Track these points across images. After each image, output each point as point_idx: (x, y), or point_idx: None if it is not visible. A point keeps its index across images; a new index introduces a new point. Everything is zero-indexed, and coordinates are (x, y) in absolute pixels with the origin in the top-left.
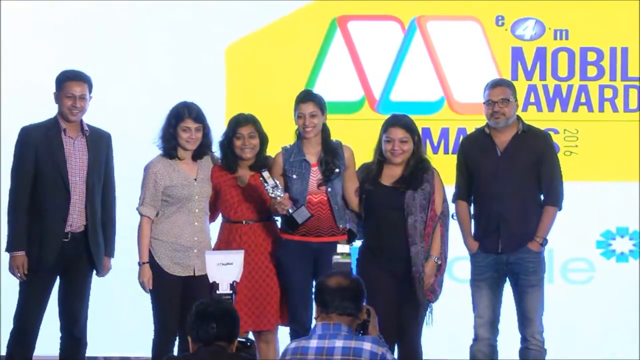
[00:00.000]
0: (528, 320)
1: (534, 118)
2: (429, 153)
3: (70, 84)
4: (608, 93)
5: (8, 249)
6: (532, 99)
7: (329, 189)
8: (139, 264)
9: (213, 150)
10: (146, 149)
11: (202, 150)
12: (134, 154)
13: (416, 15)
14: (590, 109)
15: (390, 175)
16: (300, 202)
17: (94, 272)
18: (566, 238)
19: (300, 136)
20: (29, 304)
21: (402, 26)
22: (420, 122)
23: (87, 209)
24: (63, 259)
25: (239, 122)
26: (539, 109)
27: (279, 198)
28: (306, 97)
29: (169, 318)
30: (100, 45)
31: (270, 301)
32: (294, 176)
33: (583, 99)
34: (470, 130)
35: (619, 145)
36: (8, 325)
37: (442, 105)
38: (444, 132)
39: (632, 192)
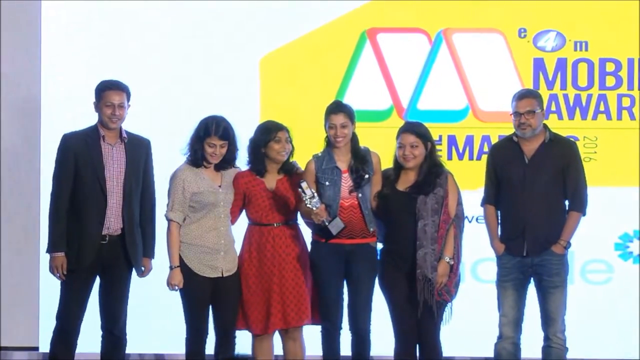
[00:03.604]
0: (550, 320)
1: (555, 126)
2: (447, 158)
3: (110, 93)
4: (626, 102)
5: (48, 250)
6: (553, 108)
7: (360, 195)
8: (170, 267)
9: (237, 165)
10: (177, 148)
11: (223, 165)
12: (172, 160)
13: (442, 28)
14: (609, 117)
15: (406, 181)
16: (333, 207)
17: (133, 272)
18: (585, 240)
19: (331, 144)
20: (69, 303)
21: (428, 38)
22: (446, 130)
23: (124, 213)
24: (101, 260)
25: (278, 127)
26: (560, 117)
27: (315, 209)
28: (337, 108)
29: (200, 317)
30: (140, 54)
31: (300, 299)
32: (327, 183)
33: (602, 108)
34: (494, 137)
35: (636, 151)
36: (49, 323)
37: (467, 113)
38: (469, 140)
39: None
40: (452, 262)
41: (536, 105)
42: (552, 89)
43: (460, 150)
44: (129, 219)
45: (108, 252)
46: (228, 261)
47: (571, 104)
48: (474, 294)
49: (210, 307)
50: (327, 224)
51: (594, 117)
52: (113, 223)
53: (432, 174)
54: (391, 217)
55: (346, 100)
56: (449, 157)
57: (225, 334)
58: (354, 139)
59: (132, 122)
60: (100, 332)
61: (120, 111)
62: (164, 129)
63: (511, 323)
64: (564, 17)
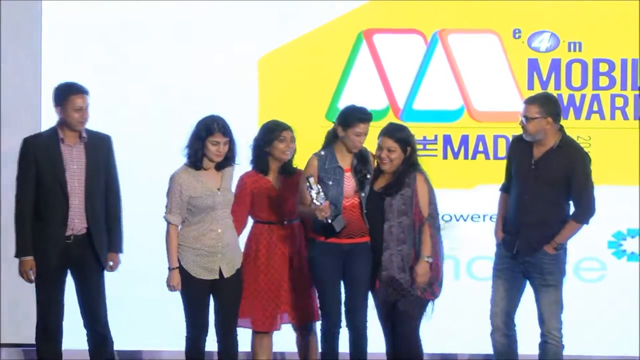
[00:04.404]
0: (544, 318)
1: None
2: (443, 157)
3: (76, 98)
4: (619, 102)
5: (16, 255)
6: None
7: (362, 194)
8: (169, 268)
9: (237, 162)
10: (177, 150)
11: (225, 162)
12: (167, 159)
13: (438, 29)
14: (602, 117)
15: (383, 181)
16: (337, 206)
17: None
18: (579, 238)
19: (332, 143)
20: (45, 303)
21: (424, 39)
22: (442, 129)
23: (87, 212)
24: (69, 259)
25: (283, 126)
26: None
27: (320, 205)
28: (363, 117)
29: (198, 317)
30: (138, 55)
31: (312, 295)
32: (330, 182)
33: (595, 108)
34: (488, 137)
35: (629, 151)
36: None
37: (462, 113)
38: (464, 139)
39: None
40: (430, 261)
41: (535, 112)
42: (546, 89)
43: (456, 150)
44: (93, 217)
45: (75, 251)
46: (227, 262)
47: (565, 103)
48: (470, 292)
49: (213, 305)
50: (330, 221)
51: (588, 117)
52: (77, 223)
53: (404, 174)
54: (368, 217)
55: (343, 100)
56: (445, 157)
57: (226, 333)
58: None
59: (130, 123)
60: (85, 331)
61: (86, 113)
62: (162, 129)
63: (501, 314)
64: (558, 18)
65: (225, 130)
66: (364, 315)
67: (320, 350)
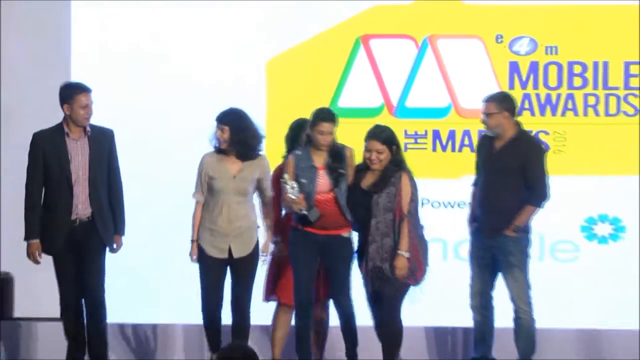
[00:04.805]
0: (513, 296)
1: (528, 121)
2: (432, 150)
3: (82, 96)
4: (591, 100)
5: (25, 238)
6: (526, 105)
7: (337, 189)
8: (191, 241)
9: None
10: (189, 148)
11: (249, 153)
12: (179, 152)
13: (428, 34)
14: (576, 114)
15: (371, 179)
16: (309, 202)
17: (107, 249)
18: (555, 223)
19: (309, 143)
20: (61, 282)
21: (415, 43)
22: (431, 125)
23: (91, 199)
24: (76, 241)
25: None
26: (532, 114)
27: (295, 199)
28: (326, 116)
29: (210, 291)
30: (154, 57)
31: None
32: (304, 180)
33: (570, 105)
34: (473, 132)
35: (601, 144)
36: None
37: (449, 110)
38: (451, 134)
39: (612, 184)
40: (407, 255)
41: (493, 108)
42: (526, 88)
43: (444, 143)
44: (96, 204)
45: (80, 234)
46: (239, 244)
47: (542, 102)
48: (456, 271)
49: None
50: (305, 212)
51: (563, 114)
52: (81, 209)
53: (390, 173)
54: (354, 213)
55: (342, 98)
56: (434, 149)
57: (238, 309)
58: (334, 141)
59: (145, 121)
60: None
61: (91, 110)
62: (176, 128)
63: (476, 294)
64: (537, 24)
65: (220, 118)
66: (348, 298)
67: (295, 324)
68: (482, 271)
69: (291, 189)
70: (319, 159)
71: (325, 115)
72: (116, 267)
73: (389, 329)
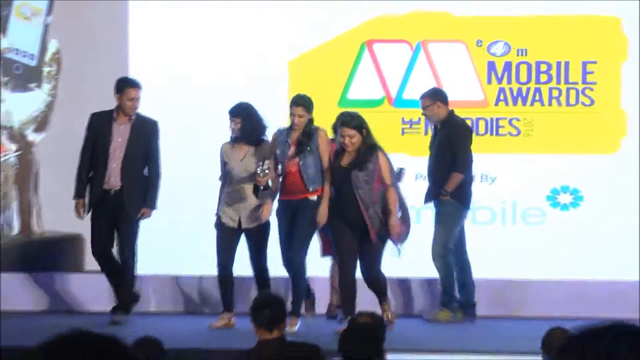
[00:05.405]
0: (433, 243)
1: (503, 110)
2: (424, 133)
3: (131, 90)
4: (555, 93)
5: (73, 197)
6: (502, 97)
7: (301, 162)
8: (216, 214)
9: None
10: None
11: (254, 139)
12: (217, 140)
13: (421, 40)
14: (542, 104)
15: (348, 158)
16: (281, 169)
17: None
18: (525, 193)
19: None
20: (93, 233)
21: (410, 47)
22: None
23: (122, 174)
24: (107, 207)
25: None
26: (507, 104)
27: (259, 176)
28: (298, 101)
29: (222, 252)
30: (193, 54)
31: None
32: (278, 152)
33: (537, 97)
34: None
35: (563, 129)
36: None
37: None
38: None
39: (573, 161)
40: (400, 214)
41: (427, 102)
42: (501, 83)
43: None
44: (126, 178)
45: (113, 201)
46: (247, 217)
47: (515, 94)
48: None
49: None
50: (262, 188)
51: (532, 104)
52: (112, 181)
53: (367, 153)
54: (335, 186)
55: (350, 92)
56: (425, 133)
57: (254, 265)
58: (308, 122)
59: (186, 114)
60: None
61: (137, 103)
62: (214, 119)
63: (433, 245)
64: (510, 31)
65: (232, 111)
66: (301, 256)
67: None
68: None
69: (261, 170)
70: (293, 137)
71: (296, 100)
72: (165, 228)
73: (371, 273)
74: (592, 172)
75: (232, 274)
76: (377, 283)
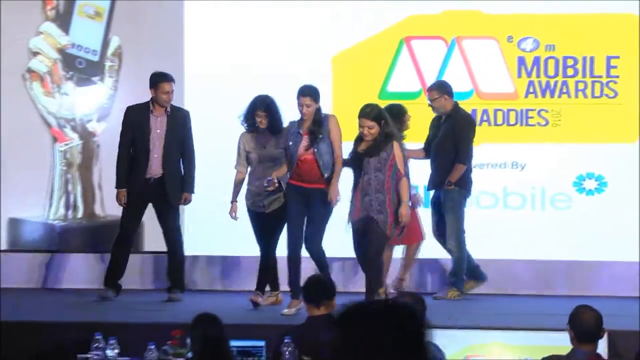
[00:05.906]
0: (447, 234)
1: (533, 102)
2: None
3: (165, 84)
4: (581, 86)
5: (115, 187)
6: (531, 90)
7: (315, 150)
8: (231, 202)
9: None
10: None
11: (271, 130)
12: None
13: (455, 36)
14: (569, 96)
15: (364, 145)
16: (294, 160)
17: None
18: (553, 180)
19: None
20: (124, 218)
21: (445, 43)
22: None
23: (163, 162)
24: (150, 193)
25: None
26: (536, 96)
27: (266, 185)
28: (305, 91)
29: (257, 235)
30: (244, 51)
31: (415, 217)
32: (291, 143)
33: (564, 90)
34: (490, 111)
35: (588, 119)
36: None
37: (471, 94)
38: (473, 112)
39: (597, 149)
40: (410, 204)
41: (435, 94)
42: (530, 76)
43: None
44: (167, 167)
45: (155, 188)
46: (270, 201)
47: (543, 87)
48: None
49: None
50: (266, 187)
51: (559, 96)
52: (154, 170)
53: (382, 142)
54: (352, 171)
55: (390, 85)
56: None
57: (269, 247)
58: (317, 111)
59: (229, 108)
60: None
61: (171, 96)
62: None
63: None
64: (539, 28)
65: (265, 107)
66: (318, 243)
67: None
68: (438, 216)
69: (267, 181)
70: (305, 127)
71: (303, 90)
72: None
73: (370, 266)
74: (615, 159)
75: (266, 253)
76: (372, 268)
